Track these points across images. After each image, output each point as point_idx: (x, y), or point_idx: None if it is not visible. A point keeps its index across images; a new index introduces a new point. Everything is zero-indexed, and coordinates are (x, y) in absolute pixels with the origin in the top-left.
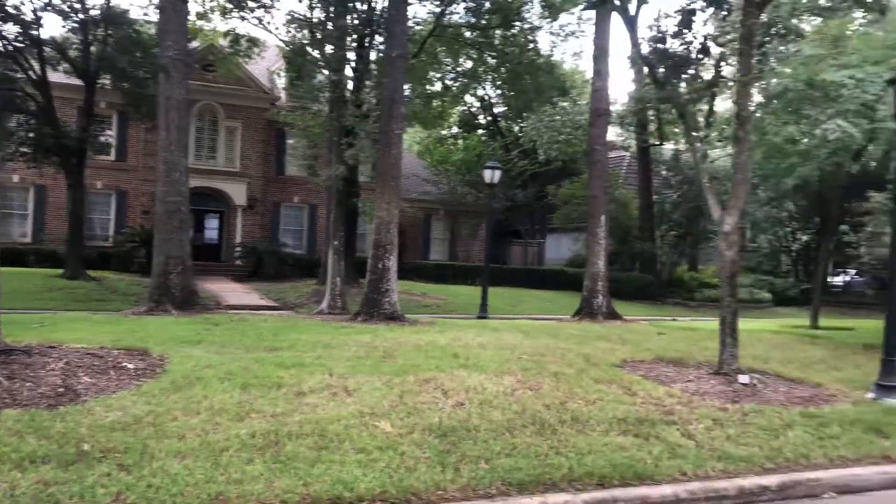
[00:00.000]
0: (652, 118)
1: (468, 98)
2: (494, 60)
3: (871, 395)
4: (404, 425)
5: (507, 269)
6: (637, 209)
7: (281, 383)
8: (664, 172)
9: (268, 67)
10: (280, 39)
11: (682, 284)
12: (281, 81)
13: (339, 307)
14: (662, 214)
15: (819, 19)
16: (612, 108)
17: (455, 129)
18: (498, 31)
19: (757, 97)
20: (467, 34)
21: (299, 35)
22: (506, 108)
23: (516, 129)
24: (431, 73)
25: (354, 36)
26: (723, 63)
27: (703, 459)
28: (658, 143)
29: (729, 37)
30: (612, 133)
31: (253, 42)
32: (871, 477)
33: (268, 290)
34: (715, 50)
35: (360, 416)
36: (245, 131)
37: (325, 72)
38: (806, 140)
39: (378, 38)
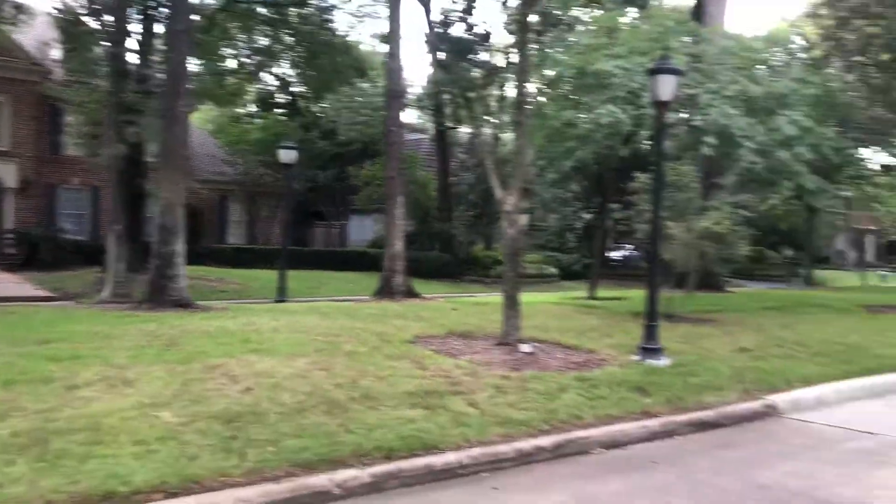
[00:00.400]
0: (447, 101)
1: (265, 76)
2: (291, 39)
3: (636, 357)
4: (187, 414)
5: (309, 252)
6: (436, 191)
7: (51, 377)
8: (461, 155)
9: (39, 38)
10: (52, 7)
11: (479, 262)
12: (55, 53)
13: (122, 295)
14: (460, 195)
15: (595, 11)
16: (411, 90)
17: (252, 108)
18: (293, 9)
19: (538, 84)
20: (261, 10)
21: (74, 3)
22: (304, 87)
23: (316, 109)
24: (225, 50)
25: (138, 7)
26: (511, 50)
27: (485, 426)
28: (454, 126)
29: (512, 26)
30: (412, 115)
31: (19, 8)
32: (634, 431)
33: (44, 280)
34: (507, 38)
35: (139, 407)
36: (14, 106)
37: (105, 44)
38: (584, 124)
39: (165, 11)
